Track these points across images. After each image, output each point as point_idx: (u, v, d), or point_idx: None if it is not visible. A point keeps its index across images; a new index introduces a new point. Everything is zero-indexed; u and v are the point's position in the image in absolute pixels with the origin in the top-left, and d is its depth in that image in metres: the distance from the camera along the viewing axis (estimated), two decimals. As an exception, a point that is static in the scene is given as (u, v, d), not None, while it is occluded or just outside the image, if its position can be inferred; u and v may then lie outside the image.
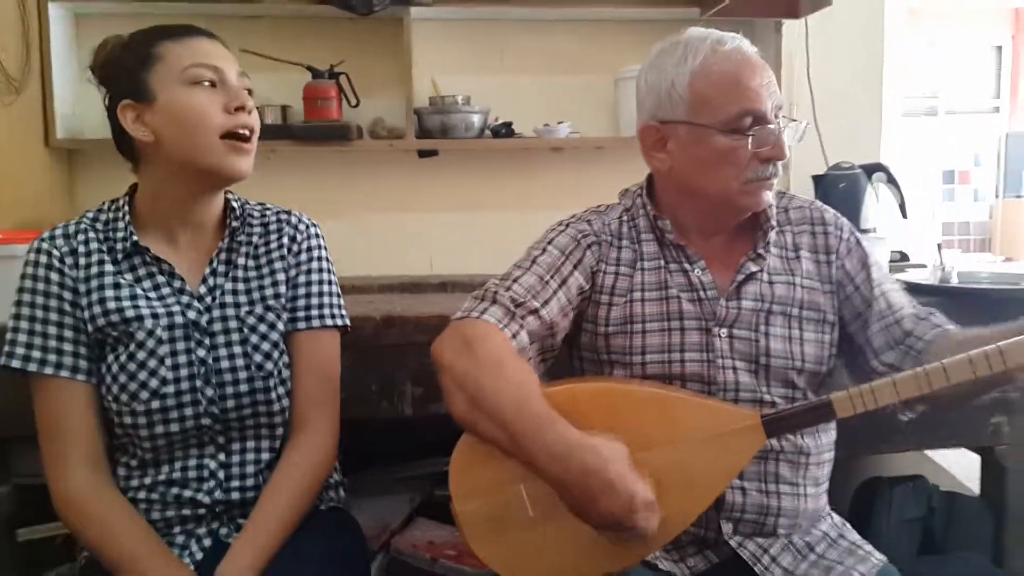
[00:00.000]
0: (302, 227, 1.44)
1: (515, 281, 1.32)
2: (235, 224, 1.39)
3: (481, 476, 1.21)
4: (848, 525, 1.41)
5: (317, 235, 1.46)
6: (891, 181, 2.35)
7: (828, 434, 1.40)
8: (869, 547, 1.34)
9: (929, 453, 2.32)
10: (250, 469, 1.36)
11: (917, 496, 1.92)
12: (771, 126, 1.29)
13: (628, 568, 1.22)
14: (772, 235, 1.38)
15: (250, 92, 1.34)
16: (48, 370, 1.28)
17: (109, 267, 1.32)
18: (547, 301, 1.31)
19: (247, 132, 1.31)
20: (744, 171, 1.30)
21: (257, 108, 2.28)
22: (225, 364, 1.33)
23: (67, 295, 1.30)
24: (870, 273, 1.40)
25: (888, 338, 1.38)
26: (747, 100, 1.28)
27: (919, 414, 1.38)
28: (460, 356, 1.22)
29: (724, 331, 1.34)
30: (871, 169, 2.36)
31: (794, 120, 1.35)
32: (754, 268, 1.36)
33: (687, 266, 1.37)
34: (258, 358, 1.35)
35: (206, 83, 1.29)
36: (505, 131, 2.42)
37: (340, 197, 2.50)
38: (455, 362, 1.22)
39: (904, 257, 2.43)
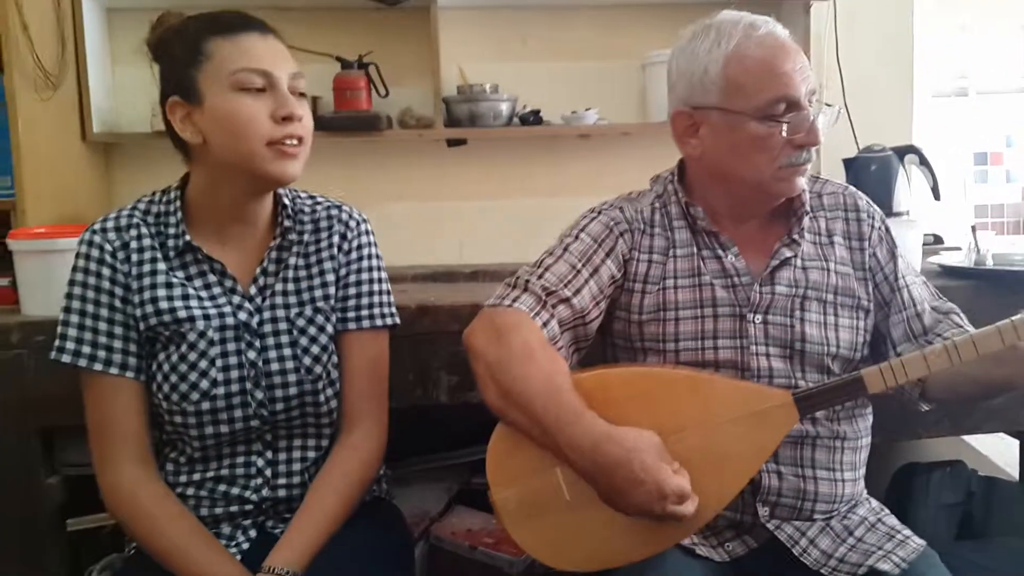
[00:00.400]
0: (352, 224, 1.42)
1: (547, 269, 1.32)
2: (287, 223, 1.37)
3: (517, 462, 1.22)
4: (887, 510, 1.41)
5: (368, 231, 1.43)
6: (923, 163, 2.32)
7: (865, 419, 1.40)
8: (908, 531, 1.34)
9: (967, 438, 2.31)
10: (296, 467, 1.37)
11: (955, 481, 1.90)
12: (805, 112, 1.29)
13: (664, 552, 1.23)
14: (806, 221, 1.38)
15: (303, 95, 1.30)
16: (97, 367, 1.28)
17: (161, 265, 1.31)
18: (579, 290, 1.31)
19: (295, 141, 1.27)
20: (778, 157, 1.29)
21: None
22: (275, 367, 1.33)
23: (118, 291, 1.30)
24: (896, 264, 1.40)
25: (907, 331, 1.38)
26: (781, 86, 1.28)
27: (938, 405, 1.39)
28: (491, 345, 1.23)
29: (758, 317, 1.34)
30: (903, 151, 2.34)
31: (828, 104, 1.34)
32: (788, 254, 1.36)
33: (720, 252, 1.37)
34: (307, 361, 1.34)
35: (255, 87, 1.25)
36: (533, 119, 2.42)
37: (370, 187, 2.51)
38: (487, 351, 1.23)
39: (938, 240, 2.41)
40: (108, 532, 1.78)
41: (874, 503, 1.41)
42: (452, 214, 2.55)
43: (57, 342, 1.29)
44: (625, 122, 2.51)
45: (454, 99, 2.38)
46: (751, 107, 1.28)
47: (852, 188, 1.46)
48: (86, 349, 1.29)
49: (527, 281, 1.31)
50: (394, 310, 1.44)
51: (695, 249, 1.38)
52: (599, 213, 1.41)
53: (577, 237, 1.37)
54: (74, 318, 1.29)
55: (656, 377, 1.28)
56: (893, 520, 1.37)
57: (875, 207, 1.44)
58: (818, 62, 2.50)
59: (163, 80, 1.30)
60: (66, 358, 1.29)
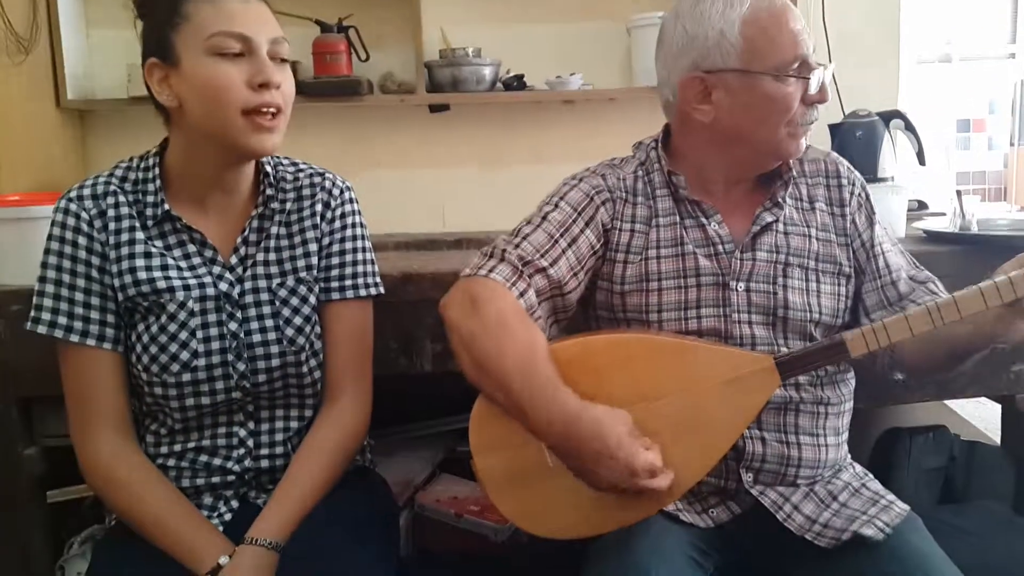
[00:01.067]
0: (336, 191, 1.39)
1: (524, 238, 1.31)
2: (269, 192, 1.35)
3: (499, 430, 1.21)
4: (870, 475, 1.41)
5: (351, 200, 1.41)
6: (908, 128, 2.32)
7: (847, 384, 1.40)
8: (892, 496, 1.34)
9: (949, 403, 2.32)
10: (279, 437, 1.36)
11: (937, 446, 1.92)
12: (816, 69, 1.30)
13: (648, 519, 1.22)
14: (790, 187, 1.37)
15: (283, 61, 1.26)
16: (74, 338, 1.26)
17: (140, 234, 1.29)
18: (556, 260, 1.30)
19: (272, 110, 1.23)
20: (794, 116, 1.30)
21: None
22: (257, 338, 1.32)
23: (95, 260, 1.27)
24: (873, 231, 1.40)
25: (881, 298, 1.38)
26: (796, 45, 1.29)
27: (910, 374, 1.39)
28: (466, 316, 1.21)
29: (741, 285, 1.33)
30: (888, 116, 2.33)
31: (821, 64, 1.33)
32: (770, 218, 1.36)
33: (704, 220, 1.36)
34: (290, 332, 1.33)
35: (232, 52, 1.21)
36: (517, 84, 2.40)
37: (351, 153, 2.49)
38: (461, 322, 1.21)
39: (923, 206, 2.41)
40: (88, 503, 1.77)
41: (858, 468, 1.42)
42: (434, 181, 2.53)
43: (33, 312, 1.27)
44: (610, 87, 2.49)
45: (436, 64, 2.35)
46: (770, 67, 1.28)
47: (834, 154, 1.45)
48: (62, 320, 1.26)
49: (503, 251, 1.29)
50: (378, 279, 1.42)
51: (678, 218, 1.36)
52: (580, 180, 1.39)
53: (556, 206, 1.35)
54: (50, 288, 1.27)
55: (638, 343, 1.28)
56: (877, 485, 1.38)
57: (856, 173, 1.43)
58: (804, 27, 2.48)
59: (143, 39, 1.27)
60: (42, 328, 1.26)
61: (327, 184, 1.39)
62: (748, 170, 1.38)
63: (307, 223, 1.37)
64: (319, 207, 1.37)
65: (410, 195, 2.52)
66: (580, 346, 1.24)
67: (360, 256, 1.40)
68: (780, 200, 1.36)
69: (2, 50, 1.98)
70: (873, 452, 1.96)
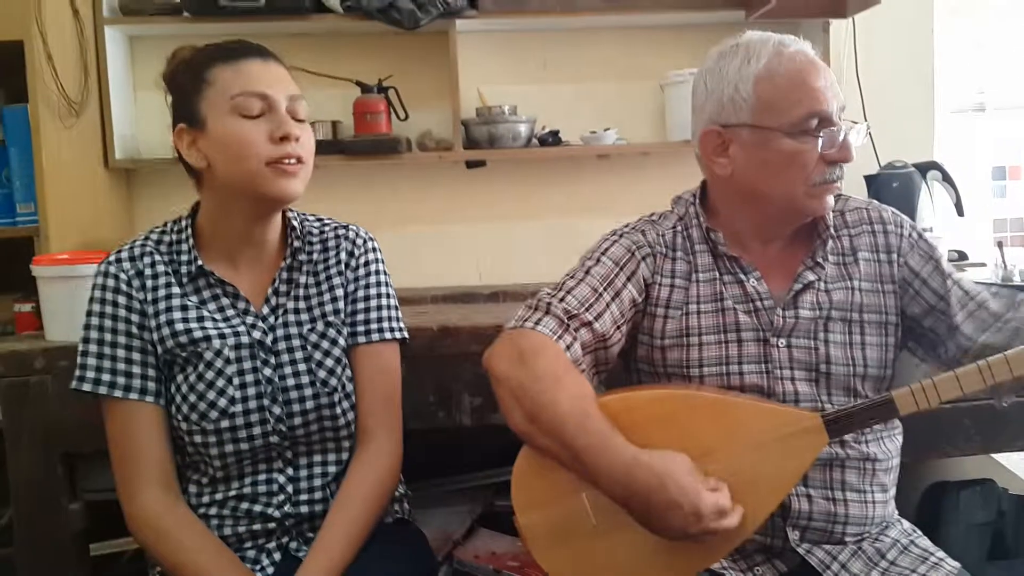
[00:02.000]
0: (359, 241, 1.45)
1: (568, 292, 1.31)
2: (296, 244, 1.40)
3: (543, 487, 1.21)
4: (919, 531, 1.38)
5: (374, 248, 1.47)
6: (946, 179, 2.31)
7: (894, 440, 1.37)
8: (941, 554, 1.31)
9: (996, 456, 2.27)
10: (318, 482, 1.38)
11: (986, 499, 1.88)
12: (837, 128, 1.28)
13: None
14: (829, 243, 1.37)
15: (299, 120, 1.32)
16: (118, 393, 1.30)
17: (176, 289, 1.34)
18: (600, 314, 1.30)
19: (292, 161, 1.30)
20: (811, 175, 1.28)
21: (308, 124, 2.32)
22: (291, 382, 1.35)
23: (135, 317, 1.32)
24: (939, 265, 1.37)
25: (978, 323, 1.34)
26: (813, 101, 1.27)
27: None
28: (515, 368, 1.21)
29: (782, 341, 1.32)
30: (925, 168, 2.33)
31: (855, 122, 1.33)
32: (811, 277, 1.34)
33: (742, 276, 1.35)
34: (322, 374, 1.36)
35: (253, 113, 1.28)
36: (552, 139, 2.42)
37: (390, 209, 2.52)
38: (510, 374, 1.22)
39: (962, 256, 2.39)
40: (130, 557, 1.79)
41: (906, 524, 1.39)
42: (471, 236, 2.55)
43: (77, 372, 1.31)
44: (644, 142, 2.51)
45: (473, 121, 2.38)
46: (783, 123, 1.28)
47: (876, 202, 1.44)
48: (106, 377, 1.30)
49: (549, 303, 1.30)
50: (402, 325, 1.46)
51: (717, 274, 1.36)
52: (620, 236, 1.40)
53: (599, 260, 1.36)
54: (93, 347, 1.31)
55: (681, 399, 1.27)
56: (926, 542, 1.35)
57: (903, 216, 1.42)
58: (838, 79, 2.47)
59: (173, 109, 1.35)
60: (87, 387, 1.30)
61: (351, 235, 1.45)
62: (776, 227, 1.37)
63: (333, 271, 1.42)
64: (343, 255, 1.43)
65: (447, 249, 2.54)
66: (621, 402, 1.23)
67: (384, 301, 1.44)
68: (820, 260, 1.35)
69: (55, 114, 2.04)
70: (919, 506, 1.92)
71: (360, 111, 2.32)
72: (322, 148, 2.32)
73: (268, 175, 1.28)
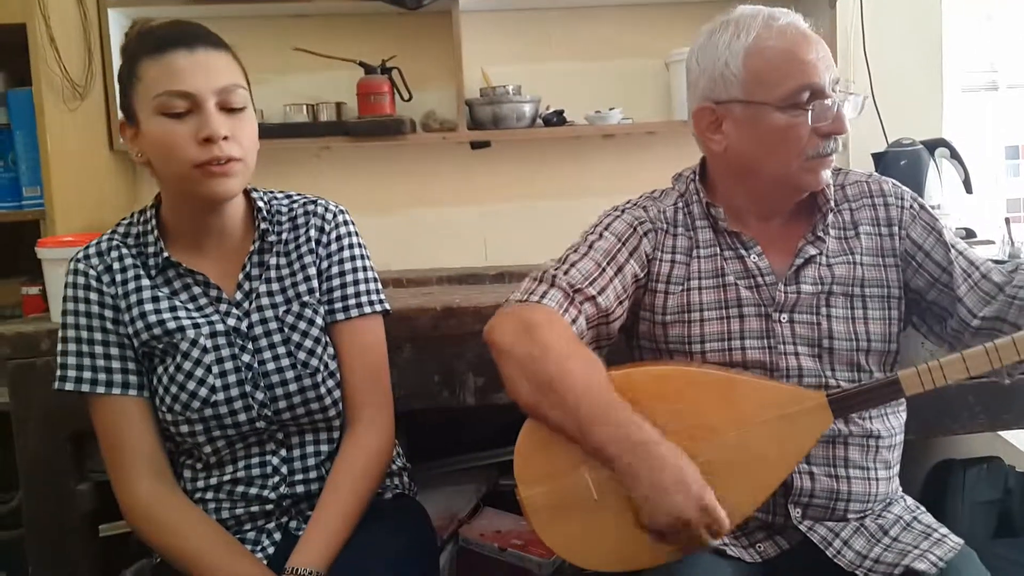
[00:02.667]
0: (328, 216, 1.41)
1: (572, 265, 1.31)
2: (264, 226, 1.37)
3: (545, 461, 1.21)
4: (923, 508, 1.38)
5: (346, 222, 1.43)
6: (954, 156, 2.29)
7: (898, 416, 1.37)
8: (945, 530, 1.31)
9: (1003, 434, 2.26)
10: (312, 462, 1.38)
11: (992, 477, 1.88)
12: (829, 100, 1.27)
13: (695, 554, 1.20)
14: (830, 216, 1.36)
15: (235, 109, 1.26)
16: (100, 389, 1.31)
17: (145, 281, 1.33)
18: (603, 288, 1.30)
19: (222, 161, 1.24)
20: (804, 148, 1.28)
21: (312, 105, 2.33)
22: (271, 366, 1.34)
23: (108, 313, 1.32)
24: (941, 236, 1.36)
25: (980, 294, 1.33)
26: (803, 75, 1.26)
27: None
28: (522, 341, 1.21)
29: (784, 316, 1.32)
30: (933, 145, 2.31)
31: (852, 93, 1.31)
32: (813, 251, 1.34)
33: (743, 252, 1.35)
34: (302, 356, 1.35)
35: (176, 112, 1.23)
36: (556, 119, 2.41)
37: (394, 191, 2.51)
38: (516, 347, 1.21)
39: (970, 233, 2.36)
40: (138, 537, 1.80)
41: (909, 501, 1.39)
42: (476, 216, 2.55)
43: (59, 372, 1.32)
44: (650, 121, 2.50)
45: (477, 101, 2.37)
46: (774, 97, 1.27)
47: (876, 174, 1.43)
48: (87, 375, 1.31)
49: (554, 276, 1.30)
50: (382, 296, 1.43)
51: (718, 249, 1.36)
52: (622, 212, 1.40)
53: (601, 235, 1.36)
54: (71, 346, 1.32)
55: (685, 376, 1.27)
56: (929, 518, 1.35)
57: (903, 188, 1.41)
58: (845, 56, 2.47)
59: (119, 98, 1.32)
60: (69, 386, 1.31)
61: (319, 210, 1.41)
62: (773, 202, 1.36)
63: (304, 249, 1.39)
64: (312, 232, 1.40)
65: (452, 230, 2.54)
66: (624, 377, 1.23)
67: (361, 275, 1.41)
68: (821, 234, 1.35)
69: (59, 97, 2.04)
70: (925, 485, 1.92)
71: (364, 92, 2.31)
72: (326, 129, 2.34)
73: (198, 177, 1.24)
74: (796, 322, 1.32)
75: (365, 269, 1.42)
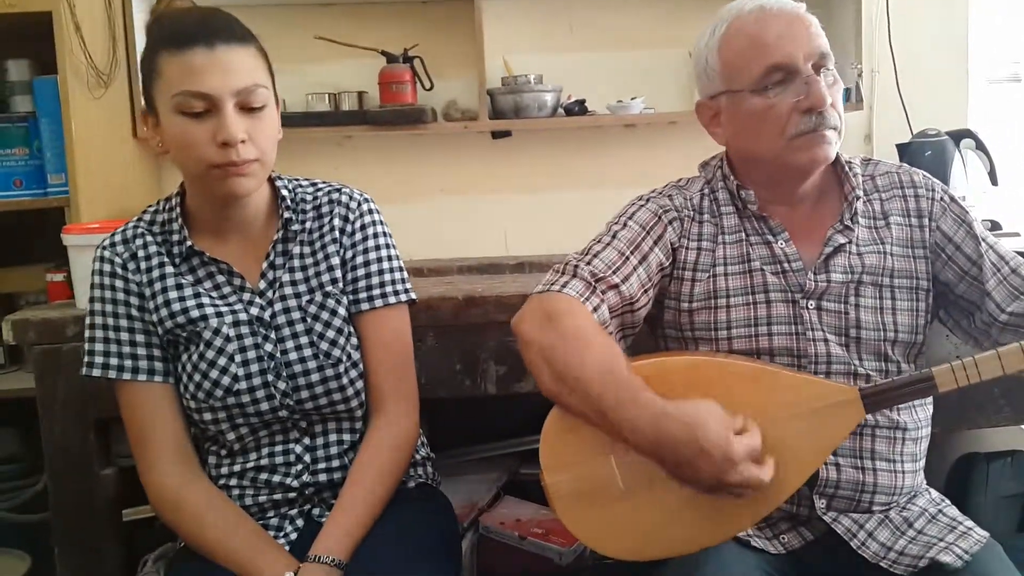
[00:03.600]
0: (353, 205, 1.40)
1: (595, 256, 1.31)
2: (287, 215, 1.37)
3: (571, 448, 1.21)
4: (947, 501, 1.37)
5: (371, 211, 1.42)
6: (980, 148, 2.27)
7: (925, 409, 1.36)
8: (970, 523, 1.30)
9: (1027, 427, 2.25)
10: (334, 451, 1.38)
11: (1016, 471, 1.86)
12: (804, 75, 1.26)
13: (720, 544, 1.21)
14: (859, 205, 1.35)
15: (254, 108, 1.24)
16: (126, 375, 1.32)
17: (170, 269, 1.33)
18: (627, 277, 1.30)
19: (236, 163, 1.23)
20: (786, 128, 1.27)
21: (333, 95, 2.33)
22: (293, 356, 1.34)
23: (134, 300, 1.33)
24: (972, 229, 1.35)
25: (1010, 289, 1.32)
26: (769, 56, 1.27)
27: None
28: (543, 330, 1.22)
29: (812, 303, 1.31)
30: (958, 136, 2.29)
31: (826, 68, 1.29)
32: (842, 240, 1.33)
33: (770, 238, 1.34)
34: (324, 346, 1.35)
35: (195, 112, 1.21)
36: (578, 109, 2.40)
37: (415, 180, 2.52)
38: (537, 336, 1.22)
39: (995, 226, 2.34)
40: (161, 522, 1.81)
41: (934, 494, 1.38)
42: (497, 206, 2.55)
43: (85, 358, 1.33)
44: (672, 111, 2.49)
45: (498, 91, 2.37)
46: (747, 83, 1.29)
47: (907, 166, 1.42)
48: (113, 360, 1.32)
49: (576, 267, 1.30)
50: (408, 286, 1.43)
51: (743, 235, 1.36)
52: (647, 200, 1.40)
53: (625, 224, 1.36)
54: (98, 333, 1.33)
55: (716, 366, 1.26)
56: (954, 511, 1.34)
57: (933, 180, 1.39)
58: (871, 47, 2.45)
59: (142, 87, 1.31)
60: (96, 372, 1.32)
61: (344, 199, 1.40)
62: (784, 188, 1.35)
63: (327, 239, 1.38)
64: (337, 221, 1.39)
65: (473, 220, 2.54)
66: (656, 366, 1.23)
67: (386, 264, 1.40)
68: (849, 222, 1.34)
69: (84, 83, 2.05)
70: (949, 478, 1.91)
71: (385, 81, 2.32)
72: (348, 119, 2.34)
73: (215, 176, 1.24)
74: (824, 310, 1.31)
75: (391, 258, 1.41)
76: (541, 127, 2.43)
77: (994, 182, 2.25)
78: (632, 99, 2.41)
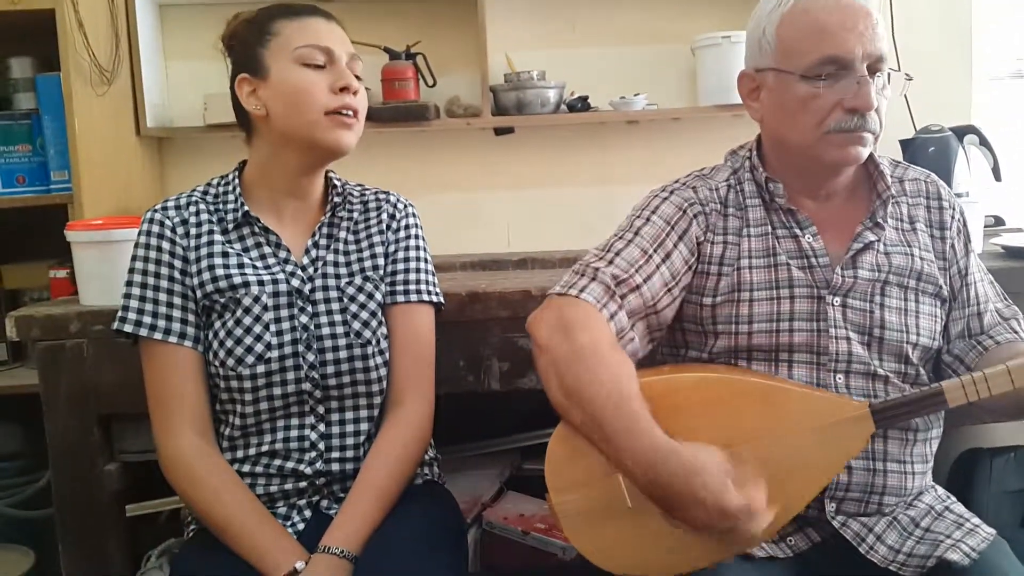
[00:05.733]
0: (400, 206, 1.50)
1: (617, 254, 1.29)
2: (336, 200, 1.44)
3: (577, 467, 1.18)
4: (953, 497, 1.37)
5: (414, 215, 1.51)
6: (983, 144, 2.26)
7: (937, 410, 1.35)
8: (977, 520, 1.30)
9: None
10: (350, 441, 1.39)
11: (1019, 467, 1.86)
12: (857, 75, 1.23)
13: (724, 562, 1.18)
14: (888, 206, 1.33)
15: (359, 78, 1.38)
16: (157, 335, 1.33)
17: (218, 237, 1.38)
18: (649, 276, 1.27)
19: (351, 112, 1.35)
20: (824, 121, 1.25)
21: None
22: (326, 331, 1.37)
23: (177, 263, 1.36)
24: (969, 258, 1.37)
25: (964, 328, 1.35)
26: (829, 46, 1.24)
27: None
28: (557, 339, 1.19)
29: (837, 300, 1.29)
30: (962, 132, 2.27)
31: (881, 71, 1.27)
32: (872, 237, 1.31)
33: (797, 231, 1.32)
34: (357, 326, 1.38)
35: (316, 63, 1.34)
36: (581, 105, 2.40)
37: (418, 177, 2.52)
38: (552, 345, 1.19)
39: (999, 221, 2.34)
40: (166, 517, 1.82)
41: (940, 491, 1.37)
42: (500, 203, 2.54)
43: (120, 312, 1.35)
44: (675, 107, 2.48)
45: (501, 87, 2.37)
46: (799, 67, 1.26)
47: (935, 176, 1.41)
48: (147, 319, 1.34)
49: (596, 269, 1.26)
50: (439, 290, 1.49)
51: (769, 228, 1.33)
52: (671, 193, 1.36)
53: (648, 220, 1.33)
54: (135, 290, 1.35)
55: (726, 384, 1.24)
56: (960, 508, 1.34)
57: (956, 199, 1.40)
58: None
59: (234, 65, 1.39)
60: (128, 327, 1.34)
61: (392, 199, 1.50)
62: (815, 180, 1.33)
63: (373, 230, 1.46)
64: (384, 216, 1.48)
65: (476, 216, 2.54)
66: (666, 384, 1.21)
67: (422, 265, 1.48)
68: (880, 220, 1.32)
69: (87, 81, 2.06)
70: (952, 473, 1.91)
71: (388, 78, 2.32)
72: (351, 115, 2.34)
73: (326, 125, 1.33)
74: (848, 307, 1.29)
75: (426, 261, 1.49)
76: (544, 123, 2.43)
77: (997, 178, 2.24)
78: (635, 95, 2.40)
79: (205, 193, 1.42)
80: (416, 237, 1.49)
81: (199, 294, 1.35)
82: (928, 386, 1.21)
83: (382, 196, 1.50)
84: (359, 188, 1.51)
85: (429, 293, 1.46)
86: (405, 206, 1.50)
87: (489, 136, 2.50)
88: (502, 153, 2.52)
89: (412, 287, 1.45)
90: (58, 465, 1.73)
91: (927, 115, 2.37)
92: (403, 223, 1.48)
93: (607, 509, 1.18)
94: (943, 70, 2.52)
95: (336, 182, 1.46)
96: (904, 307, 1.31)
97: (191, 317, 1.36)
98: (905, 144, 2.30)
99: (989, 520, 1.31)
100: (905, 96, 2.42)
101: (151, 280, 1.35)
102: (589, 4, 2.50)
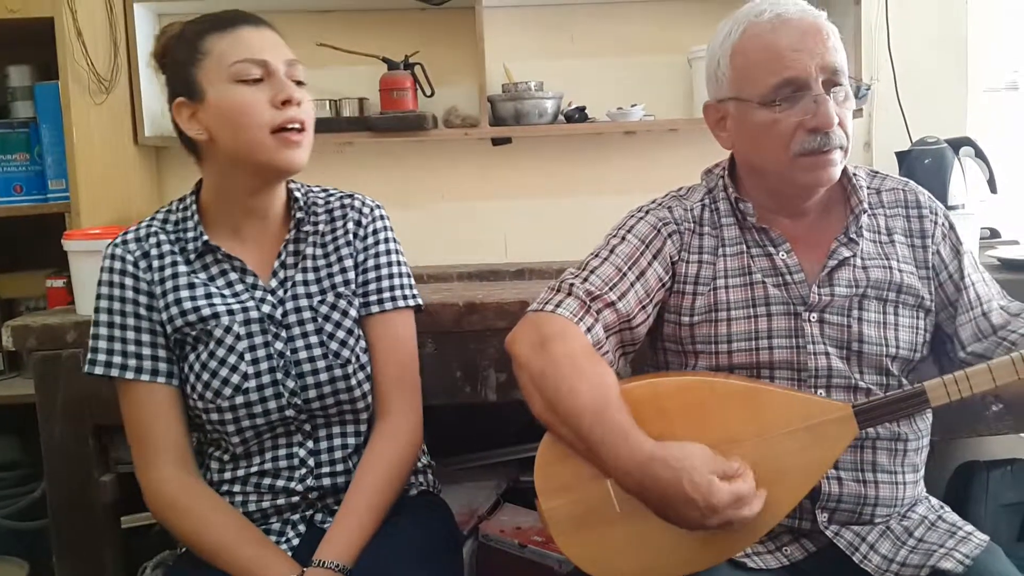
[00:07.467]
0: (366, 210, 1.44)
1: (592, 272, 1.30)
2: (299, 215, 1.39)
3: (566, 472, 1.20)
4: (947, 507, 1.37)
5: (382, 216, 1.45)
6: (979, 156, 2.27)
7: (924, 419, 1.36)
8: (970, 528, 1.30)
9: (1027, 436, 2.25)
10: (338, 455, 1.38)
11: (1016, 480, 1.86)
12: (813, 93, 1.23)
13: (713, 568, 1.19)
14: (864, 219, 1.34)
15: (299, 82, 1.32)
16: (129, 375, 1.31)
17: (182, 267, 1.34)
18: (624, 293, 1.29)
19: (297, 125, 1.29)
20: (790, 144, 1.25)
21: (334, 101, 2.33)
22: (303, 355, 1.35)
23: (143, 299, 1.33)
24: (962, 262, 1.36)
25: (975, 330, 1.34)
26: (781, 69, 1.24)
27: (1010, 408, 1.34)
28: (535, 355, 1.21)
29: (814, 316, 1.30)
30: (957, 144, 2.28)
31: (838, 85, 1.25)
32: (847, 253, 1.32)
33: (771, 249, 1.33)
34: (334, 346, 1.36)
35: (253, 78, 1.27)
36: (578, 116, 2.40)
37: (416, 186, 2.52)
38: (531, 360, 1.21)
39: (995, 233, 2.35)
40: (160, 529, 1.80)
41: (933, 501, 1.38)
42: (497, 213, 2.54)
43: (89, 355, 1.33)
44: (672, 118, 2.49)
45: (499, 98, 2.37)
46: (756, 94, 1.26)
47: (913, 184, 1.40)
48: (117, 359, 1.31)
49: (571, 285, 1.28)
50: (415, 292, 1.45)
51: (744, 247, 1.34)
52: (646, 213, 1.38)
53: (623, 239, 1.34)
54: (103, 330, 1.33)
55: (709, 387, 1.24)
56: (954, 516, 1.34)
57: (937, 203, 1.39)
58: (870, 54, 2.45)
59: (169, 85, 1.34)
60: (99, 370, 1.32)
61: (357, 204, 1.44)
62: (788, 200, 1.33)
63: (341, 241, 1.41)
64: (351, 225, 1.42)
65: (473, 227, 2.54)
66: (648, 388, 1.22)
67: (396, 270, 1.43)
68: (854, 235, 1.33)
69: (85, 90, 2.06)
70: (949, 486, 1.91)
71: (386, 88, 2.32)
72: (349, 125, 2.34)
73: (272, 145, 1.27)
74: (826, 322, 1.30)
75: (399, 264, 1.44)
76: (541, 134, 2.43)
77: (993, 190, 2.25)
78: (632, 106, 2.40)
79: (165, 221, 1.37)
80: (386, 240, 1.44)
81: (169, 328, 1.33)
82: (911, 386, 1.22)
83: (347, 201, 1.44)
84: (323, 195, 1.45)
85: (405, 298, 1.42)
86: (372, 209, 1.44)
87: (487, 146, 2.50)
88: (500, 163, 2.53)
89: (387, 295, 1.41)
90: (53, 476, 1.73)
91: (923, 127, 2.38)
92: (370, 228, 1.43)
93: (596, 514, 1.18)
94: (939, 82, 2.53)
95: (297, 194, 1.41)
96: (883, 320, 1.31)
97: (162, 352, 1.33)
98: (901, 156, 2.31)
99: (986, 533, 1.31)
100: (901, 108, 2.44)
101: (117, 319, 1.32)
102: (587, 15, 2.51)
